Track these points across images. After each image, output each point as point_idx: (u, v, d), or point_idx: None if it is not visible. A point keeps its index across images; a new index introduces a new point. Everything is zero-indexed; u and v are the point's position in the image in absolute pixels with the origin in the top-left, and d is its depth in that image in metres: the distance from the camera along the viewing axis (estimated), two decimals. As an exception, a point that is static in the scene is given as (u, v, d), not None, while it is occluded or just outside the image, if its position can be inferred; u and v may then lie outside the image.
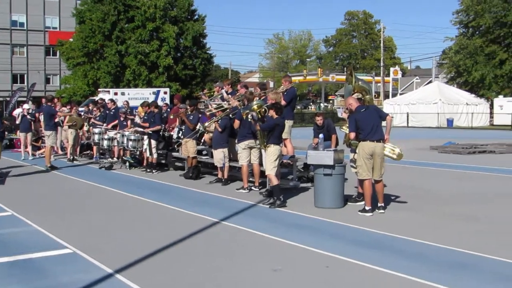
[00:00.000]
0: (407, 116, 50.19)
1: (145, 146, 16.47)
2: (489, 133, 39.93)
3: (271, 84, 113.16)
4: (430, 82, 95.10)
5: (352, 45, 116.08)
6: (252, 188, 12.70)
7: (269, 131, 10.84)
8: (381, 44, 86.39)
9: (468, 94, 52.43)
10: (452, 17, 64.65)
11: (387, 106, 53.56)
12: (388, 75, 75.84)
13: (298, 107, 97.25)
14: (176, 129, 16.78)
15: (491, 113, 50.72)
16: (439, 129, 46.37)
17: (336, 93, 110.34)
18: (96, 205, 11.25)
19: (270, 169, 10.73)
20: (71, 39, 55.67)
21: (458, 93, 52.63)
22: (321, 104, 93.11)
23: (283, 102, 12.35)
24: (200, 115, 15.65)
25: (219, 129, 13.67)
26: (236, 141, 13.16)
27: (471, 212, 10.10)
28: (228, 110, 13.86)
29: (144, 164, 16.83)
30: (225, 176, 13.89)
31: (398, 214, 10.02)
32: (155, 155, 16.32)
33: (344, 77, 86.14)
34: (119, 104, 39.13)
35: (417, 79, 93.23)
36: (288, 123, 12.66)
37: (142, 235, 8.57)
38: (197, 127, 15.09)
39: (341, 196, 10.58)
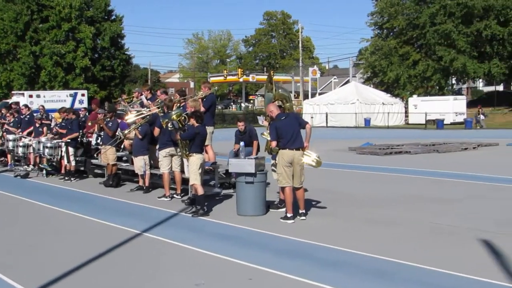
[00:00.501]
0: (326, 116, 51.12)
1: (63, 153, 16.05)
2: (404, 132, 41.25)
3: (191, 84, 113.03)
4: (348, 81, 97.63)
5: (272, 45, 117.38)
6: (174, 196, 12.61)
7: (190, 140, 10.75)
8: (300, 44, 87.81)
9: (384, 94, 54.01)
10: (367, 19, 66.27)
11: (307, 106, 54.44)
12: (307, 75, 76.85)
13: (219, 107, 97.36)
14: (94, 135, 16.36)
15: (406, 112, 52.37)
16: (357, 128, 47.52)
17: (257, 93, 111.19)
18: (13, 219, 10.86)
19: (194, 178, 10.63)
20: (-19, 39, 53.54)
21: (375, 93, 54.08)
22: (242, 104, 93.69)
23: (202, 109, 12.32)
24: (119, 121, 15.38)
25: (139, 136, 13.49)
26: (156, 149, 13.01)
27: (390, 216, 10.37)
28: (148, 117, 13.70)
29: (62, 171, 16.38)
30: (146, 184, 13.71)
31: (319, 220, 10.18)
32: (73, 163, 15.91)
33: (264, 77, 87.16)
34: (35, 107, 38.02)
35: (335, 78, 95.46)
36: (209, 129, 12.60)
37: (62, 251, 8.34)
38: (117, 133, 14.83)
39: (263, 203, 10.66)
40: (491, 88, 79.22)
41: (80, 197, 13.30)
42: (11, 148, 18.38)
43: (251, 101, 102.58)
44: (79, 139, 16.43)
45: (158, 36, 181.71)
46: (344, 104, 51.24)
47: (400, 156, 21.85)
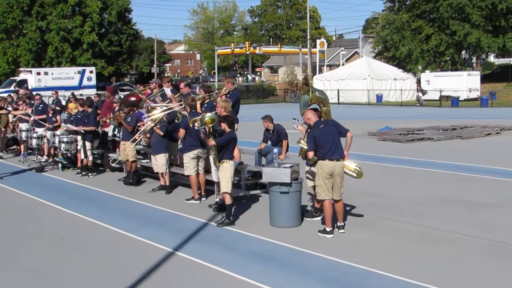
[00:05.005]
0: (338, 93, 50.27)
1: (79, 147, 15.46)
2: (419, 110, 40.46)
3: (198, 57, 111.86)
4: (356, 53, 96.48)
5: (278, 15, 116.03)
6: (202, 198, 12.07)
7: (223, 146, 10.10)
8: (308, 15, 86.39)
9: (396, 69, 53.04)
10: (379, -9, 64.91)
11: (317, 82, 53.53)
12: (314, 46, 75.78)
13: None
14: (111, 126, 15.68)
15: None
16: (370, 106, 46.64)
17: (263, 65, 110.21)
18: (28, 229, 10.21)
19: (226, 187, 10.01)
20: (-14, 14, 52.70)
21: (386, 68, 53.10)
22: (249, 76, 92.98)
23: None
24: (136, 112, 14.70)
25: (161, 133, 12.83)
26: (181, 151, 12.33)
27: (433, 228, 9.71)
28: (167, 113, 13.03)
29: (78, 164, 15.81)
30: (167, 183, 13.10)
31: (359, 233, 9.57)
32: (90, 157, 15.33)
33: (271, 49, 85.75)
34: (43, 84, 37.57)
35: (342, 50, 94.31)
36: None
37: (86, 277, 7.75)
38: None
39: (299, 214, 10.08)
40: (503, 61, 77.99)
41: (100, 198, 12.73)
42: (24, 138, 17.79)
43: (258, 73, 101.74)
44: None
45: (164, 8, 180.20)
46: (355, 80, 50.34)
47: (424, 143, 21.17)
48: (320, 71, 70.10)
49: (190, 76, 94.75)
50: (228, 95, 12.55)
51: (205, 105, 12.67)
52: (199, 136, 11.67)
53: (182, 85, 14.67)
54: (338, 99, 49.85)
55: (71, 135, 15.45)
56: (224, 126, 10.11)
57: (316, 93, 10.17)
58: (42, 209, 11.79)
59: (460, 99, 44.95)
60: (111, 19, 51.55)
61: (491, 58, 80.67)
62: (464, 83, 47.55)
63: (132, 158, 14.14)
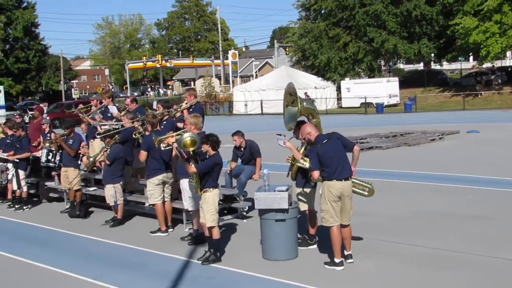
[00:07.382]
0: (261, 104, 49.34)
1: (10, 176, 13.42)
2: (346, 118, 39.92)
3: (106, 72, 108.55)
4: (267, 63, 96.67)
5: (185, 27, 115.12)
6: (169, 230, 10.49)
7: (206, 172, 8.55)
8: (219, 27, 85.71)
9: (315, 78, 52.76)
10: (293, 1, 64.88)
11: (238, 93, 52.56)
12: (227, 58, 75.55)
13: (136, 93, 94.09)
14: (44, 151, 13.56)
15: (338, 95, 51.40)
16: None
17: (174, 78, 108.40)
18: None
19: (212, 220, 8.47)
20: None
21: (306, 77, 52.72)
22: (160, 90, 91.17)
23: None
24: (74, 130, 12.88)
25: (107, 162, 11.11)
26: (145, 177, 10.69)
27: (443, 249, 8.63)
28: (117, 136, 11.37)
29: (9, 196, 13.76)
30: (118, 216, 11.34)
31: (367, 262, 8.30)
32: (24, 188, 13.33)
33: (181, 61, 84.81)
34: None
35: (254, 60, 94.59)
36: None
37: None
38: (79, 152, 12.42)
39: (296, 244, 8.73)
40: (412, 67, 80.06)
41: (47, 237, 10.85)
42: None
43: (170, 87, 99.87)
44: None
45: (67, 23, 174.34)
46: (276, 90, 49.43)
47: (374, 152, 20.30)
48: (233, 82, 69.94)
49: (99, 92, 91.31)
50: (190, 110, 11.08)
51: (164, 122, 11.12)
52: (163, 158, 10.18)
53: (128, 100, 13.08)
54: (262, 110, 49.01)
55: (0, 164, 13.40)
56: (207, 148, 8.56)
57: (305, 103, 8.85)
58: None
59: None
60: (17, 34, 48.35)
61: (401, 65, 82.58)
62: (384, 89, 47.81)
63: (77, 187, 12.33)
